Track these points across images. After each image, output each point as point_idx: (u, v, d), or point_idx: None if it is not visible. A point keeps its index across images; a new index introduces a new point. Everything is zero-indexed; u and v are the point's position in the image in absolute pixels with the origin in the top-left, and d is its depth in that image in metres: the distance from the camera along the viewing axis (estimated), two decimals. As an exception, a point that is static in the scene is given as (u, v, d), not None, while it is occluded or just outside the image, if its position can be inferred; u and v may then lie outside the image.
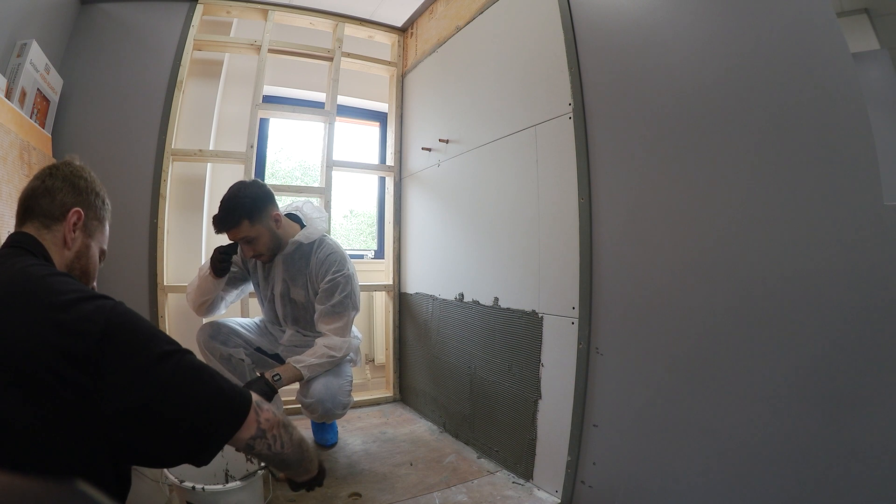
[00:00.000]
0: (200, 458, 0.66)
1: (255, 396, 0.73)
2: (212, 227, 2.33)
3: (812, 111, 0.93)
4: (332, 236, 1.80)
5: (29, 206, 0.80)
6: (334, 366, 1.63)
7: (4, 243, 0.77)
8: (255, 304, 2.11)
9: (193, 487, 1.03)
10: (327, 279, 1.65)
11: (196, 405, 0.65)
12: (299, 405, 1.70)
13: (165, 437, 0.64)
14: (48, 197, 0.80)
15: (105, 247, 0.90)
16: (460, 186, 2.04)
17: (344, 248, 1.77)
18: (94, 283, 0.87)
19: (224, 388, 0.69)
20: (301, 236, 1.67)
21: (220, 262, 1.61)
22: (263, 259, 1.67)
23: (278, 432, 0.74)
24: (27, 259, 0.71)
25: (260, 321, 1.89)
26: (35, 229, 0.78)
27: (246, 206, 1.56)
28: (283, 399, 1.93)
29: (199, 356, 1.71)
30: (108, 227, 0.90)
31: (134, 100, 2.14)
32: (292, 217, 1.75)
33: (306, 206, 1.80)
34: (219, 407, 0.67)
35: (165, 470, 1.09)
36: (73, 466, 0.57)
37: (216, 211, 1.57)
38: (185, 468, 1.08)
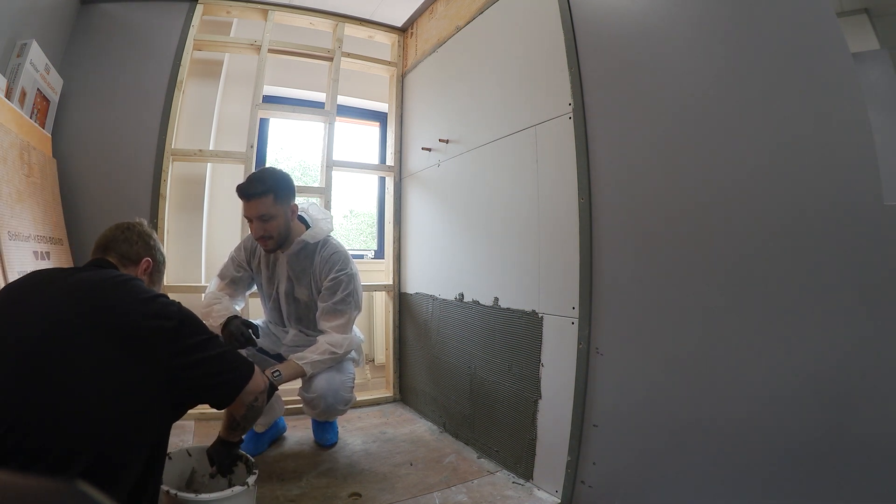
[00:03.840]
0: (228, 395, 0.97)
1: (257, 368, 1.03)
2: (212, 227, 2.37)
3: (812, 111, 0.93)
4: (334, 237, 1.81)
5: (108, 247, 1.06)
6: (336, 362, 1.64)
7: (90, 262, 1.04)
8: (255, 304, 2.11)
9: (176, 495, 1.02)
10: (330, 277, 1.66)
11: (228, 364, 0.97)
12: (300, 403, 1.70)
13: (208, 382, 0.93)
14: (127, 244, 1.07)
15: None
16: (460, 186, 2.04)
17: (346, 248, 1.78)
18: None
19: (242, 358, 1.02)
20: (307, 236, 1.69)
21: (237, 339, 1.56)
22: (269, 245, 1.65)
23: (265, 397, 1.05)
24: (114, 270, 1.00)
25: (262, 322, 1.89)
26: (116, 260, 1.05)
27: (278, 183, 1.61)
28: (283, 399, 1.92)
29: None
30: (164, 281, 1.22)
31: (134, 100, 2.14)
32: (299, 218, 1.76)
33: (312, 208, 1.82)
34: (239, 366, 0.99)
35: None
36: (147, 399, 0.83)
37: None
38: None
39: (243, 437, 1.20)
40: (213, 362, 0.92)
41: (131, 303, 0.87)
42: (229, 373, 0.96)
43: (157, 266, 1.13)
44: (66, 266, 1.62)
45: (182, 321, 0.90)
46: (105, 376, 0.78)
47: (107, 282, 0.90)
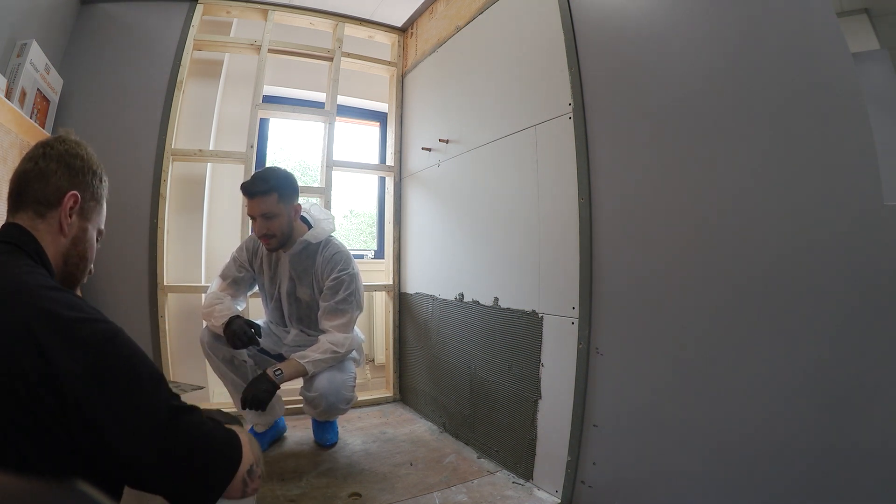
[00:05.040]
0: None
1: (244, 465, 0.67)
2: (212, 227, 2.37)
3: (812, 111, 0.93)
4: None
5: (21, 192, 0.74)
6: (337, 362, 1.64)
7: None
8: (255, 305, 2.11)
9: None
10: (332, 277, 1.67)
11: (183, 472, 0.61)
12: (301, 403, 1.71)
13: (149, 486, 0.61)
14: (42, 181, 0.74)
15: (103, 227, 0.85)
16: (460, 186, 2.04)
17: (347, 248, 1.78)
18: (92, 266, 0.84)
19: (218, 442, 0.66)
20: (309, 236, 1.70)
21: (239, 338, 1.56)
22: (271, 244, 1.66)
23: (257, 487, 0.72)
24: (19, 261, 0.66)
25: (263, 322, 1.89)
26: (28, 219, 0.72)
27: (281, 183, 1.62)
28: (284, 399, 1.92)
29: (203, 356, 1.73)
30: (105, 206, 0.85)
31: (134, 100, 2.14)
32: (301, 218, 1.77)
33: (313, 208, 1.83)
34: (214, 460, 0.64)
35: None
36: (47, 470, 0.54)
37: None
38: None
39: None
40: (150, 452, 0.58)
41: (12, 335, 0.54)
42: (189, 473, 0.61)
43: (91, 193, 0.79)
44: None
45: (95, 365, 0.56)
46: None
47: None
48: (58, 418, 0.53)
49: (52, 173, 0.74)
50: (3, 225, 0.73)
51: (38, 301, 0.58)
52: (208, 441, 0.65)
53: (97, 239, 0.84)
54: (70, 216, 0.75)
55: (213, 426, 0.67)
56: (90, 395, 0.55)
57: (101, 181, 0.82)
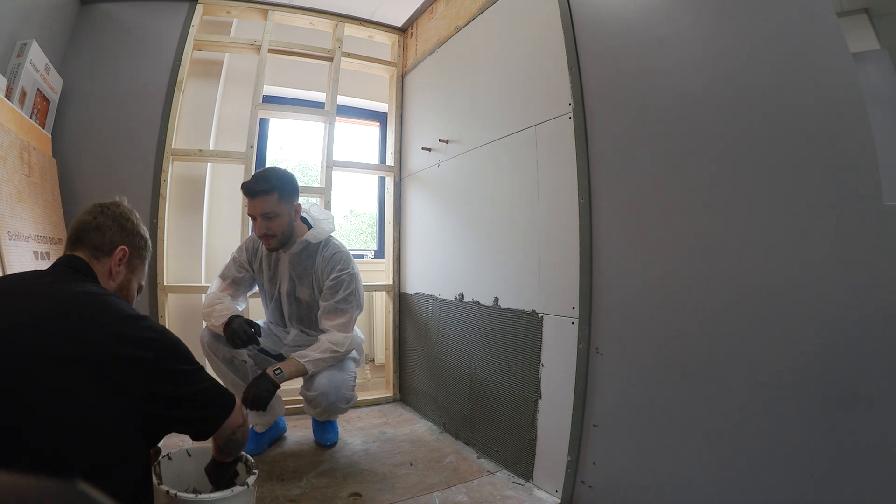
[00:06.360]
0: (205, 432, 0.94)
1: (238, 402, 0.99)
2: (212, 228, 2.37)
3: (812, 111, 0.93)
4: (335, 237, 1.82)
5: (79, 237, 0.93)
6: (337, 361, 1.65)
7: (58, 262, 0.91)
8: (255, 305, 2.11)
9: (176, 495, 1.00)
10: (332, 276, 1.67)
11: (208, 400, 0.92)
12: (301, 403, 1.70)
13: (186, 417, 0.88)
14: (98, 232, 0.94)
15: (143, 283, 1.05)
16: (460, 186, 2.04)
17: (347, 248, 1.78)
18: None
19: (223, 393, 0.96)
20: (309, 236, 1.71)
21: (239, 337, 1.56)
22: (272, 244, 1.67)
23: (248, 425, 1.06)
24: (85, 282, 0.87)
25: (263, 323, 1.89)
26: (87, 256, 0.92)
27: (282, 182, 1.62)
28: (284, 399, 1.92)
29: (203, 356, 1.73)
30: (147, 267, 1.05)
31: (134, 100, 2.14)
32: (301, 219, 1.77)
33: (313, 208, 1.83)
34: (220, 402, 0.95)
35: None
36: (117, 432, 0.75)
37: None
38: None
39: (238, 456, 1.15)
40: (190, 399, 0.87)
41: (102, 326, 0.78)
42: (207, 409, 0.91)
43: (138, 252, 1.00)
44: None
45: (161, 353, 0.81)
46: (68, 407, 0.70)
47: (74, 300, 0.80)
48: (139, 388, 0.77)
49: (108, 228, 0.95)
50: (64, 255, 0.92)
51: (105, 300, 0.83)
52: (218, 384, 0.95)
53: (137, 291, 1.04)
54: (119, 265, 0.96)
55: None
56: (166, 361, 0.82)
57: (145, 244, 1.03)
